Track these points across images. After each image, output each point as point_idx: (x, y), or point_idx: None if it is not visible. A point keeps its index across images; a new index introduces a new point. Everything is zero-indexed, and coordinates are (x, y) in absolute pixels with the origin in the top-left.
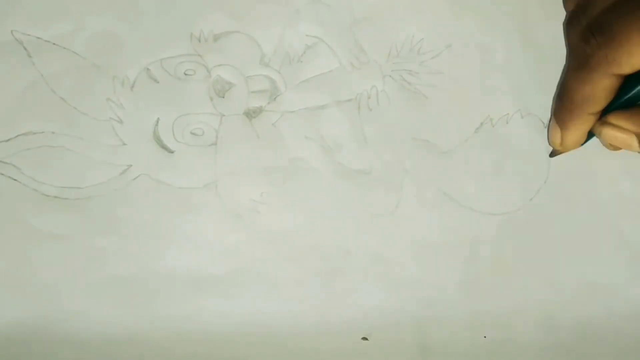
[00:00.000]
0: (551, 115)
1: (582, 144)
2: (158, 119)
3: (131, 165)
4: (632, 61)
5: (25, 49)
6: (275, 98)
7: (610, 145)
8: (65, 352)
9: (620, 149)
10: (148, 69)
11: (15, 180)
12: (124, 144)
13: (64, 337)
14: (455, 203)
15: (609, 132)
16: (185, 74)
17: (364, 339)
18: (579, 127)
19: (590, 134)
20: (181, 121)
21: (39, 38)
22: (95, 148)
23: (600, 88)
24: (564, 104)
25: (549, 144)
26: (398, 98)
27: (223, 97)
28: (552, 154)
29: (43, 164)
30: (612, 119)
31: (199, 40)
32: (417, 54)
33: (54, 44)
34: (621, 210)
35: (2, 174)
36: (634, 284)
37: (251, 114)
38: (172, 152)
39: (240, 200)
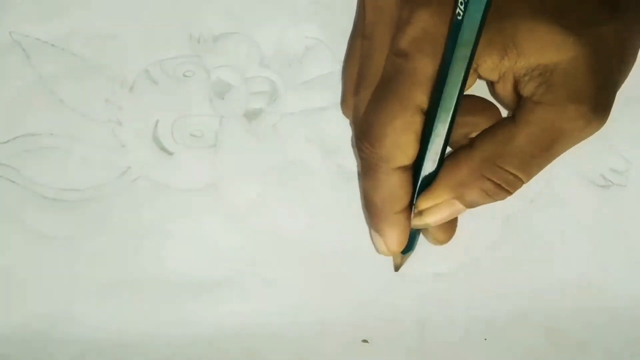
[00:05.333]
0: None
1: (412, 245)
2: (157, 120)
3: (130, 167)
4: (400, 150)
5: (23, 50)
6: (275, 100)
7: (438, 231)
8: (65, 355)
9: (448, 240)
10: (147, 70)
11: (13, 182)
12: (123, 146)
13: (63, 340)
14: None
15: (431, 218)
16: (185, 76)
17: (364, 341)
18: (394, 229)
19: (412, 231)
20: (180, 123)
21: (37, 39)
22: (94, 150)
23: (391, 186)
24: (370, 211)
25: (379, 253)
26: None
27: (222, 99)
28: (396, 268)
29: (42, 165)
30: (422, 203)
31: (198, 42)
32: None
33: (52, 45)
34: (623, 212)
35: (1, 176)
36: (636, 287)
37: (251, 116)
38: (171, 153)
39: (240, 202)
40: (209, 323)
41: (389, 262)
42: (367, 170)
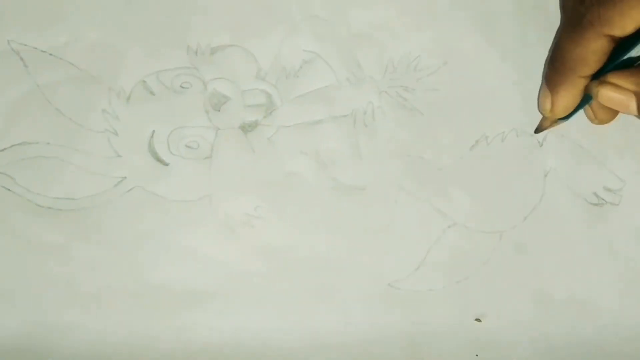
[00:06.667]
0: (542, 81)
1: (570, 116)
2: (153, 131)
3: (125, 177)
4: (623, 22)
5: (21, 59)
6: (271, 112)
7: (601, 111)
8: None
9: (606, 122)
10: (144, 81)
11: (9, 190)
12: (119, 156)
13: (55, 349)
14: (450, 220)
15: (606, 93)
16: (182, 87)
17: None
18: (569, 91)
19: (581, 103)
20: (176, 134)
21: (35, 48)
22: (90, 159)
23: (592, 50)
24: (555, 66)
25: (539, 111)
26: (394, 114)
27: (219, 111)
28: (537, 129)
29: (37, 174)
30: (612, 77)
31: (196, 53)
32: (414, 70)
33: (50, 54)
34: (615, 230)
35: None
36: (627, 305)
37: (247, 128)
38: (166, 164)
39: (235, 214)
40: (201, 333)
41: (381, 276)
42: (577, 24)
